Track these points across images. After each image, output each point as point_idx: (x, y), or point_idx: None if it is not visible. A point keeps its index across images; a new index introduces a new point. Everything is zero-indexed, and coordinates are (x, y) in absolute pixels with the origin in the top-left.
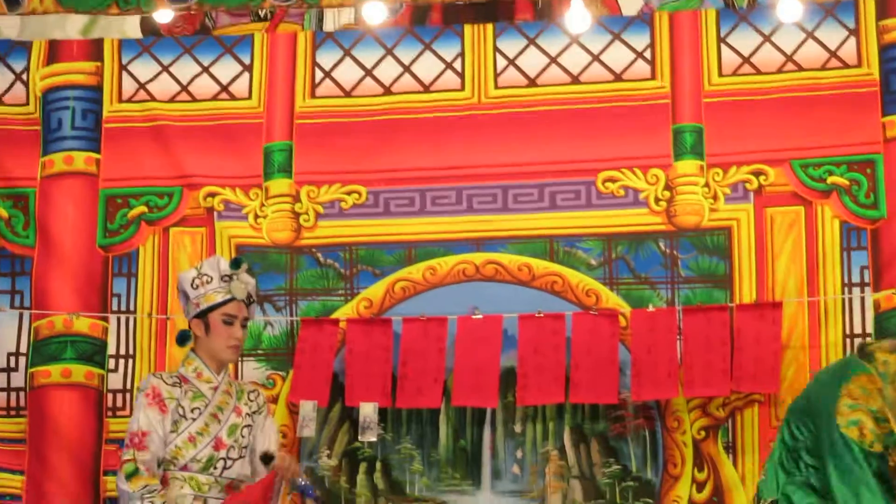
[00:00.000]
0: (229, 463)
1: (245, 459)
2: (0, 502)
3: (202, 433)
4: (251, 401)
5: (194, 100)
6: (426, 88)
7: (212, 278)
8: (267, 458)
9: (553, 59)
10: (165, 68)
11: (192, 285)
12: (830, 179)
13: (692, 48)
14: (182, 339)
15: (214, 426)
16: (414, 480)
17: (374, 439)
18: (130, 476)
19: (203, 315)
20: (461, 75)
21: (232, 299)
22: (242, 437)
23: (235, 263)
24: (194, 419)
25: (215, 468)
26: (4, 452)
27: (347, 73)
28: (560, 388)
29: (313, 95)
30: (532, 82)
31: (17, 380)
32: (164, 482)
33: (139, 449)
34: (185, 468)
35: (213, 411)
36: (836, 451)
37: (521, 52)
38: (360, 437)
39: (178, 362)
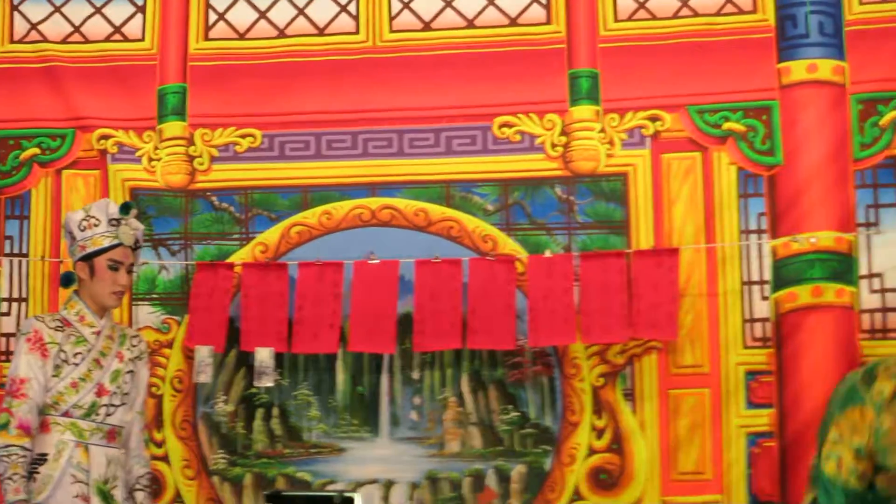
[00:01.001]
0: (111, 409)
1: (126, 406)
2: None
3: (85, 379)
4: (133, 346)
5: (87, 41)
6: (321, 31)
7: (100, 221)
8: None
9: (448, 3)
10: (58, 9)
11: (79, 227)
12: (726, 125)
13: None
14: (66, 280)
15: (97, 372)
16: (311, 427)
17: (270, 384)
18: (1, 428)
19: (88, 258)
20: (356, 18)
21: (119, 245)
22: (125, 383)
23: (125, 208)
24: (76, 364)
25: (97, 414)
26: None
27: (241, 15)
28: (457, 334)
29: (207, 38)
30: (427, 26)
31: None
32: (45, 427)
33: (16, 397)
34: (66, 414)
35: (95, 356)
36: (818, 479)
37: None
38: (255, 383)
39: None
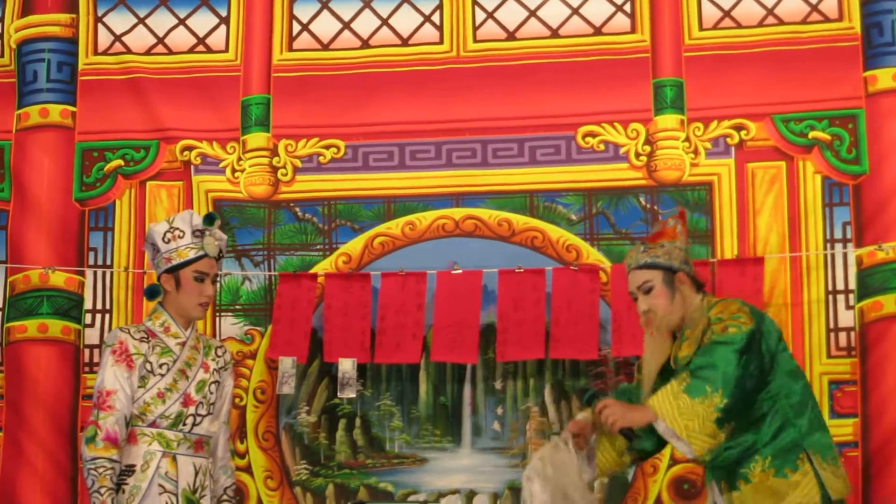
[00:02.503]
0: (198, 419)
1: (212, 416)
2: None
3: (171, 389)
4: (218, 356)
5: (171, 52)
6: (404, 42)
7: (184, 233)
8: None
9: (532, 13)
10: (141, 20)
11: (163, 239)
12: (812, 134)
13: (672, 1)
14: (151, 293)
15: (183, 382)
16: (394, 437)
17: (353, 395)
18: (89, 441)
19: (174, 270)
20: (440, 28)
21: (204, 256)
22: (210, 393)
23: (209, 219)
24: (162, 375)
25: (184, 424)
26: None
27: (325, 26)
28: (540, 344)
29: (290, 48)
30: (511, 35)
31: None
32: (133, 439)
33: (103, 410)
34: (153, 424)
35: (181, 367)
36: None
37: (500, 5)
38: (339, 394)
39: None
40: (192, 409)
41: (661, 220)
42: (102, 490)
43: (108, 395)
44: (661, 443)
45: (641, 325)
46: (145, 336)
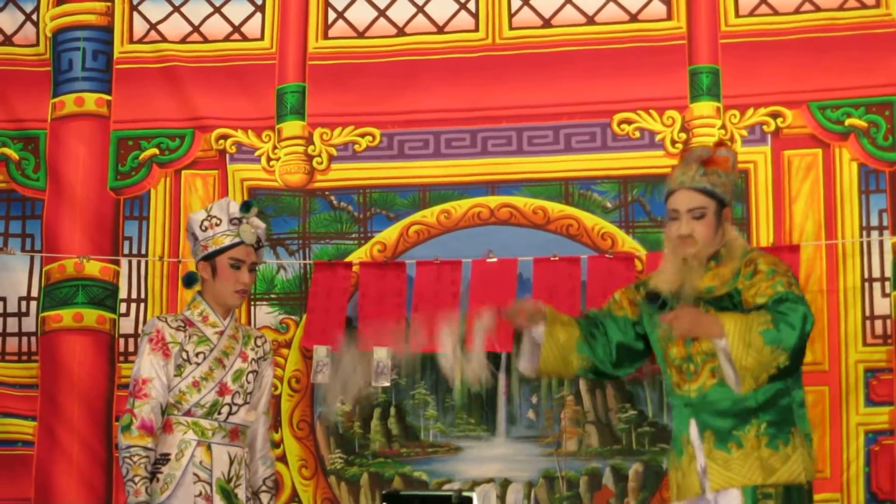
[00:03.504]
0: (234, 409)
1: (249, 406)
2: (13, 448)
3: (206, 378)
4: (257, 346)
5: (206, 41)
6: (440, 29)
7: (221, 221)
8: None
9: (568, 0)
10: (177, 8)
11: (200, 227)
12: (848, 121)
13: None
14: (189, 280)
15: (219, 371)
16: (428, 426)
17: (387, 384)
18: (124, 429)
19: (210, 258)
20: (475, 16)
21: (240, 243)
22: (248, 382)
23: (246, 207)
24: (198, 364)
25: (220, 413)
26: (17, 398)
27: (360, 14)
28: None
29: (326, 36)
30: (547, 23)
31: (29, 324)
32: (168, 427)
33: (139, 398)
34: (188, 413)
35: (217, 356)
36: None
37: None
38: (373, 382)
39: None
40: (227, 399)
41: (713, 147)
42: (136, 479)
43: (144, 383)
44: (623, 371)
45: (670, 247)
46: (182, 325)
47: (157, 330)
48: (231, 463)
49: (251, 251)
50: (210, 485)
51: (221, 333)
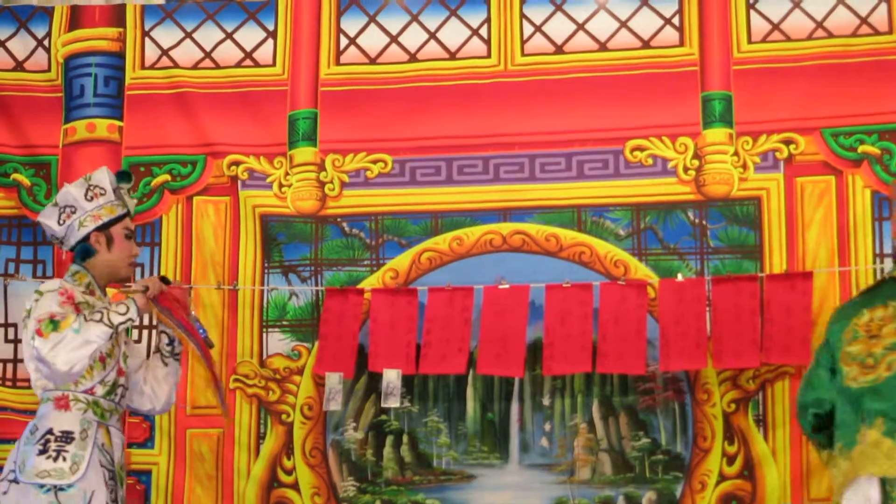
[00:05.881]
0: (124, 392)
1: (131, 389)
2: None
3: (110, 355)
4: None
5: (218, 66)
6: (452, 55)
7: (105, 191)
8: (165, 283)
9: (580, 26)
10: (189, 34)
11: (85, 197)
12: (861, 148)
13: (721, 14)
14: (86, 253)
15: (117, 349)
16: (441, 453)
17: (397, 405)
18: (55, 326)
19: (105, 228)
20: (487, 42)
21: (128, 213)
22: (127, 366)
23: (126, 177)
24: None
25: (116, 394)
26: (23, 424)
27: (373, 40)
28: (587, 358)
29: (338, 62)
30: (559, 49)
31: None
32: (65, 404)
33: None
34: (90, 391)
35: (126, 343)
36: None
37: (548, 19)
38: (382, 403)
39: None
40: (122, 380)
41: None
42: (107, 310)
43: (57, 315)
44: None
45: None
46: (86, 292)
47: (65, 288)
48: (122, 449)
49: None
50: (112, 470)
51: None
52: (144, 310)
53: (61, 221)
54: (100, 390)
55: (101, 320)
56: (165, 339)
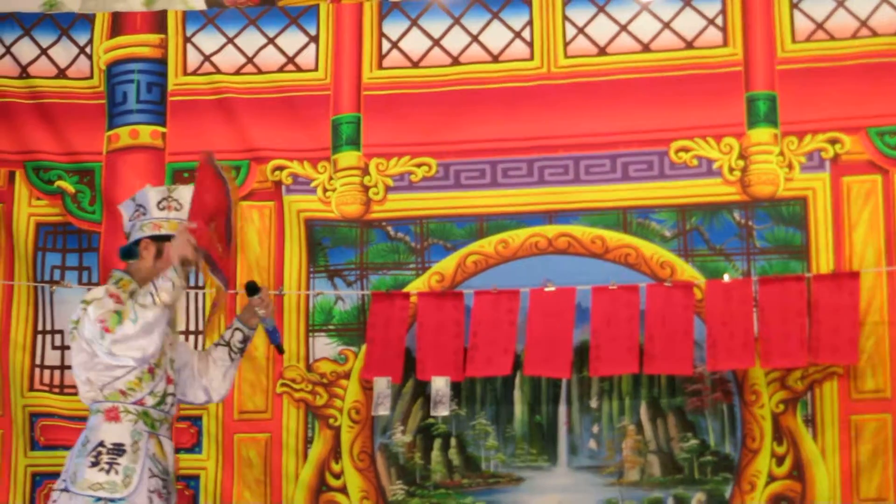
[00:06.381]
0: (174, 400)
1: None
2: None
3: (158, 365)
4: None
5: (260, 72)
6: (495, 58)
7: (181, 207)
8: (252, 288)
9: (623, 27)
10: (230, 40)
11: (158, 205)
12: None
13: (764, 14)
14: (128, 254)
15: (164, 358)
16: (489, 456)
17: (446, 413)
18: (119, 319)
19: (159, 240)
20: (530, 45)
21: None
22: (175, 370)
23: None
24: None
25: (166, 404)
26: (75, 430)
27: (415, 44)
28: (634, 359)
29: (380, 66)
30: (602, 51)
31: None
32: (115, 416)
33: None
34: (140, 402)
35: (171, 342)
36: None
37: (590, 20)
38: (432, 412)
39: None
40: (171, 388)
41: None
42: (156, 287)
43: (117, 309)
44: None
45: None
46: (130, 298)
47: (111, 291)
48: (173, 456)
49: None
50: (166, 479)
51: None
52: (186, 258)
53: (132, 218)
54: (150, 401)
55: (153, 303)
56: (239, 336)
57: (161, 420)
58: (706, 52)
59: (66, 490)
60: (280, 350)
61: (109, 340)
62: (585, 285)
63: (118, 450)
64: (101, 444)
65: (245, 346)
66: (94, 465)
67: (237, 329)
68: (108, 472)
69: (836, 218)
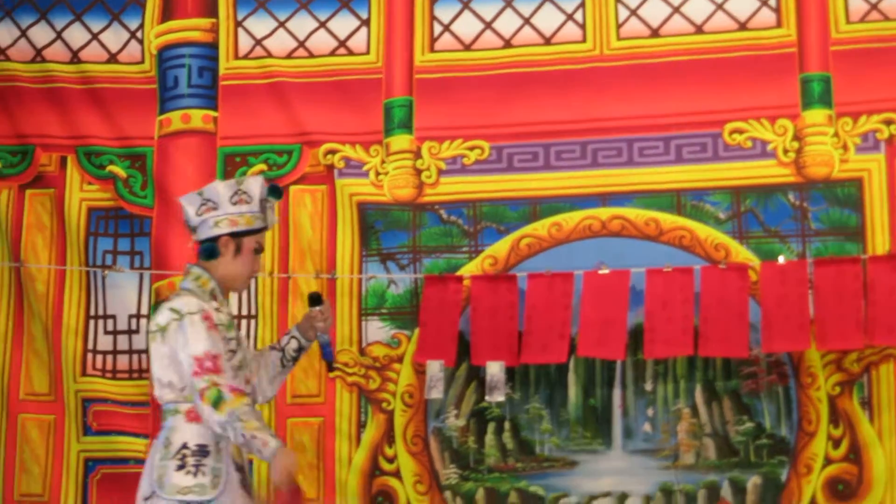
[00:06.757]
0: (251, 399)
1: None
2: (126, 466)
3: (241, 367)
4: None
5: (312, 55)
6: (547, 41)
7: (252, 199)
8: (315, 300)
9: (676, 9)
10: (282, 24)
11: (230, 200)
12: None
13: None
14: (211, 252)
15: (243, 359)
16: (544, 440)
17: (501, 399)
18: (217, 402)
19: (238, 236)
20: (582, 27)
21: (265, 228)
22: (251, 371)
23: (277, 192)
24: (234, 351)
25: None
26: (128, 416)
27: (467, 27)
28: (688, 340)
29: (432, 49)
30: (655, 32)
31: (139, 342)
32: (197, 418)
33: (216, 372)
34: None
35: (239, 341)
36: None
37: (643, 2)
38: (487, 397)
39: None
40: (248, 388)
41: None
42: (256, 432)
43: (217, 357)
44: None
45: None
46: (217, 308)
47: (205, 311)
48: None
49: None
50: (245, 477)
51: (231, 316)
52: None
53: (199, 212)
54: None
55: (252, 435)
56: (294, 345)
57: None
58: (760, 34)
59: (154, 496)
60: (330, 368)
61: (202, 406)
62: (639, 268)
63: (202, 451)
64: (185, 445)
65: (299, 356)
66: (181, 468)
67: (294, 337)
68: (195, 474)
69: (891, 199)
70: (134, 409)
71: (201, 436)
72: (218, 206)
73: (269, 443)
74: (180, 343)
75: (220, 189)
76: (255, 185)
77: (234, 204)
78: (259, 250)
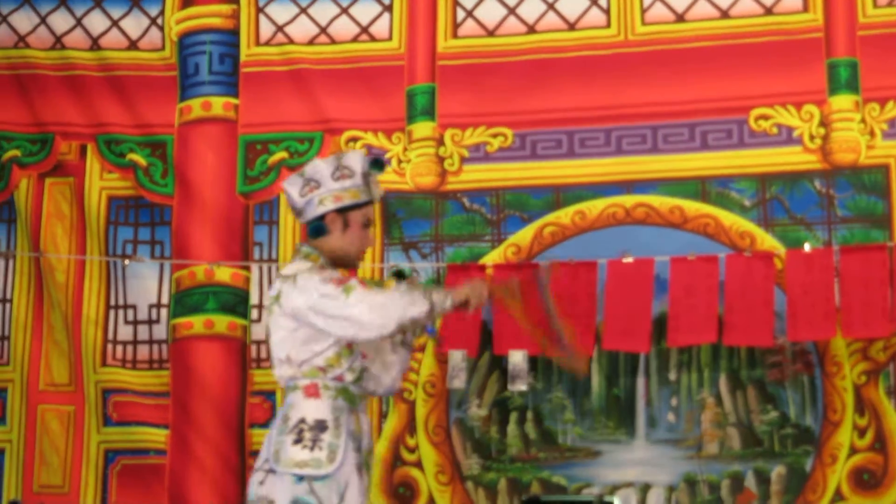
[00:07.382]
0: (370, 375)
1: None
2: (146, 457)
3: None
4: None
5: (333, 42)
6: (571, 26)
7: (354, 173)
8: (399, 275)
9: None
10: (304, 10)
11: (332, 176)
12: None
13: None
14: (318, 231)
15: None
16: (566, 430)
17: (524, 388)
18: (350, 290)
19: (344, 211)
20: (607, 12)
21: (371, 201)
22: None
23: (379, 164)
24: None
25: (363, 380)
26: (148, 406)
27: (490, 12)
28: (713, 329)
29: (455, 35)
30: (680, 18)
31: (159, 332)
32: (315, 392)
33: (344, 281)
34: (339, 378)
35: None
36: None
37: None
38: (509, 386)
39: None
40: (367, 363)
41: None
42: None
43: (341, 279)
44: None
45: None
46: None
47: (319, 269)
48: (370, 434)
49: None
50: (361, 456)
51: None
52: (468, 302)
53: (303, 193)
54: (349, 377)
55: (421, 295)
56: None
57: (360, 396)
58: (786, 18)
59: (271, 471)
60: (436, 341)
61: (349, 295)
62: (664, 256)
63: (321, 426)
64: (303, 420)
65: (407, 339)
66: (298, 441)
67: None
68: (311, 449)
69: None
70: (154, 399)
71: (319, 411)
72: (321, 184)
73: (446, 298)
74: (298, 297)
75: (321, 167)
76: (355, 158)
77: (337, 180)
78: (368, 224)
